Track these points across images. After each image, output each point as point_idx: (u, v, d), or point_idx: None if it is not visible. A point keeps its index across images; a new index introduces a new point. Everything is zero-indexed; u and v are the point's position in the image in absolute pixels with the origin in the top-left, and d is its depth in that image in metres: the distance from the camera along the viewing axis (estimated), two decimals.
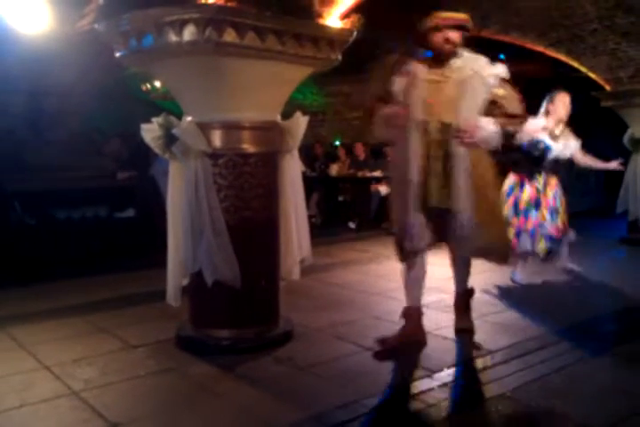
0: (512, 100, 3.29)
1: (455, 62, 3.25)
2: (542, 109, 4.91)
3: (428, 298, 4.51)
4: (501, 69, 3.26)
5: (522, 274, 5.04)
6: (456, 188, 3.17)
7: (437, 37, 3.20)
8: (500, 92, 3.24)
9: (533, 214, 4.85)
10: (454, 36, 3.20)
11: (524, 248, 4.86)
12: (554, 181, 4.96)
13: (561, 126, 4.88)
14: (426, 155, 3.20)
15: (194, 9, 3.02)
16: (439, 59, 3.27)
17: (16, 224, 5.68)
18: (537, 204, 4.87)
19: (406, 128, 3.19)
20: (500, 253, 3.49)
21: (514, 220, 4.85)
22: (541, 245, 4.87)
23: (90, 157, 6.61)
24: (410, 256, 3.41)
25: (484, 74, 3.20)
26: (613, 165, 5.28)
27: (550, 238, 4.85)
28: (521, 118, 3.39)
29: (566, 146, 4.88)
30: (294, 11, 3.25)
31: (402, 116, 3.18)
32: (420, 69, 3.27)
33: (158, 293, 3.59)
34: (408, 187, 3.20)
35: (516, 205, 4.89)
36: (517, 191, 4.91)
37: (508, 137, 3.28)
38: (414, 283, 3.50)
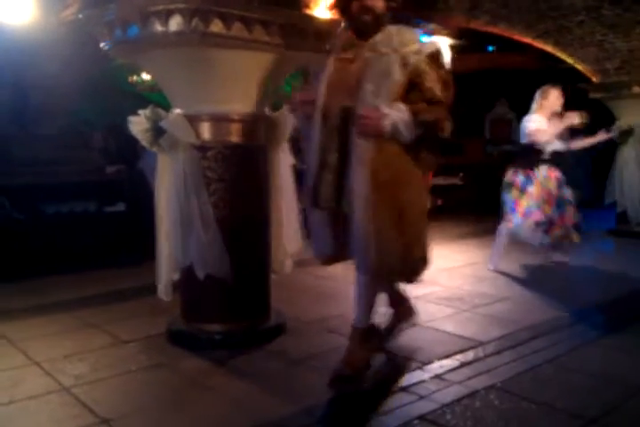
0: (435, 84, 2.64)
1: (376, 37, 2.71)
2: (535, 105, 5.01)
3: (419, 290, 4.54)
4: (431, 46, 2.71)
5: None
6: (348, 187, 2.66)
7: (354, 6, 2.71)
8: (424, 73, 2.62)
9: (543, 207, 4.93)
10: (373, 4, 2.69)
11: (533, 239, 5.02)
12: (554, 174, 5.02)
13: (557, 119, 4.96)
14: (324, 146, 2.73)
15: None
16: (358, 32, 2.77)
17: (4, 219, 5.62)
18: (546, 197, 4.96)
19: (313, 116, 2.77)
20: (407, 272, 2.83)
21: (534, 211, 4.93)
22: (555, 234, 5.01)
23: (78, 151, 6.54)
24: (325, 262, 3.00)
25: (404, 51, 2.63)
26: (601, 136, 5.48)
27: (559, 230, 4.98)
28: (441, 106, 2.66)
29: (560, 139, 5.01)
30: (281, 1, 3.22)
31: (304, 101, 2.81)
32: (337, 46, 2.86)
33: (149, 287, 3.57)
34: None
35: (532, 196, 4.96)
36: (530, 184, 4.98)
37: (430, 128, 2.63)
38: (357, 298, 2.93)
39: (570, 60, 7.52)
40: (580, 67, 7.51)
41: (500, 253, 5.18)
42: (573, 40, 7.20)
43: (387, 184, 2.60)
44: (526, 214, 4.93)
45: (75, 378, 2.92)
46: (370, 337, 2.92)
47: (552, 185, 4.98)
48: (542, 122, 4.92)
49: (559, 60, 7.76)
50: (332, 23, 3.47)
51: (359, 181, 2.60)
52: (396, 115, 2.55)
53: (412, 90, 2.62)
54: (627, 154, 7.24)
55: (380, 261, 2.64)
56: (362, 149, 2.60)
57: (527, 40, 7.54)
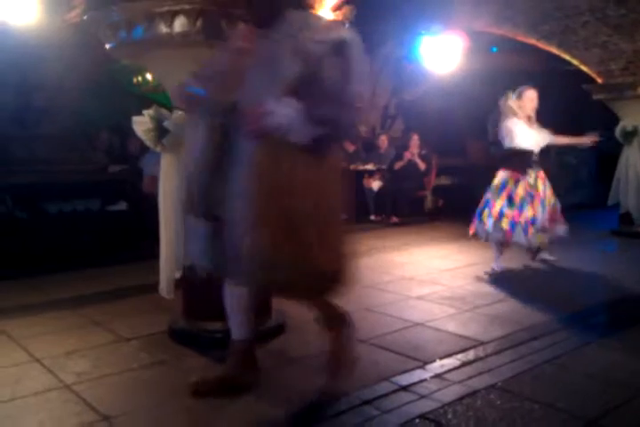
0: (340, 78, 2.26)
1: (274, 24, 2.38)
2: (509, 106, 4.97)
3: (421, 290, 4.56)
4: (338, 35, 2.31)
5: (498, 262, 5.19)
6: (231, 193, 2.34)
7: None
8: (325, 64, 2.24)
9: (527, 209, 4.90)
10: None
11: (517, 240, 4.94)
12: (542, 174, 5.06)
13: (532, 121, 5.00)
14: (208, 146, 2.41)
15: (185, 0, 2.99)
16: (257, 20, 2.45)
17: (7, 218, 5.65)
18: (531, 198, 4.93)
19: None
20: (312, 287, 2.47)
21: (507, 211, 4.91)
22: (539, 240, 4.98)
23: (81, 151, 6.57)
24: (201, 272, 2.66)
25: (301, 38, 2.28)
26: (586, 139, 5.30)
27: (544, 230, 4.92)
28: (348, 103, 2.30)
29: (543, 137, 5.01)
30: (286, 2, 3.22)
31: (188, 96, 2.51)
32: (236, 36, 2.56)
33: (151, 286, 3.58)
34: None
35: (510, 198, 4.95)
36: (511, 186, 4.97)
37: (333, 127, 2.28)
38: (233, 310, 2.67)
39: (574, 61, 7.52)
40: (584, 68, 7.50)
41: (499, 255, 5.17)
42: (578, 41, 7.20)
43: (276, 191, 2.27)
44: (499, 216, 4.93)
45: (76, 375, 2.93)
46: (246, 349, 2.70)
47: (541, 186, 5.00)
48: (524, 127, 4.92)
49: (564, 62, 7.75)
50: (336, 24, 3.48)
51: (242, 186, 2.29)
52: (284, 111, 2.21)
53: (313, 83, 2.25)
54: (631, 155, 7.22)
55: (265, 273, 2.30)
56: (246, 151, 2.28)
57: (531, 41, 7.54)
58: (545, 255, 5.47)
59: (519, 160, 4.99)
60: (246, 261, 2.28)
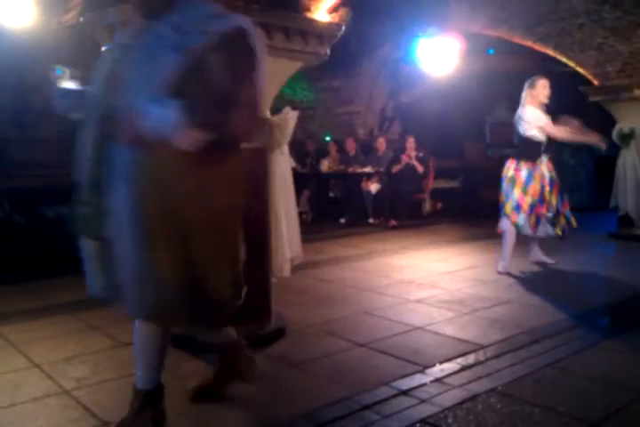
0: (226, 75, 1.98)
1: (161, 16, 2.09)
2: (525, 96, 5.14)
3: (420, 293, 4.55)
4: (230, 25, 2.02)
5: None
6: (112, 209, 2.09)
7: None
8: (211, 59, 1.96)
9: (545, 201, 5.03)
10: None
11: (543, 233, 5.15)
12: (550, 164, 5.17)
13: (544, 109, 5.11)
14: (91, 157, 2.13)
15: None
16: (144, 11, 2.15)
17: (4, 222, 5.63)
18: (550, 187, 5.06)
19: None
20: (199, 315, 2.19)
21: (538, 206, 5.01)
22: (560, 225, 5.13)
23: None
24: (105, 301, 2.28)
25: (186, 30, 1.99)
26: (595, 139, 5.21)
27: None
28: (238, 104, 2.02)
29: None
30: (282, 4, 3.23)
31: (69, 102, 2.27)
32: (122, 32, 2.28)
33: None
34: None
35: (539, 192, 5.03)
36: (535, 178, 5.04)
37: (221, 132, 1.99)
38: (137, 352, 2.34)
39: (571, 64, 7.53)
40: (580, 70, 7.51)
41: (511, 255, 5.18)
42: (574, 43, 7.21)
43: (160, 205, 2.03)
44: (530, 210, 4.99)
45: (76, 381, 2.92)
46: (152, 402, 2.32)
47: (554, 174, 5.12)
48: (541, 114, 5.03)
49: (561, 64, 7.76)
50: (333, 27, 3.48)
51: (123, 201, 2.05)
52: (160, 115, 1.90)
53: (198, 82, 1.97)
54: (628, 157, 7.23)
55: (154, 301, 2.06)
56: (126, 163, 2.04)
57: (527, 43, 7.55)
58: (543, 258, 5.47)
59: (530, 148, 5.08)
60: (132, 287, 2.05)
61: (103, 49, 3.38)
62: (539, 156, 5.07)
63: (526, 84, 5.15)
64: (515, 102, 5.27)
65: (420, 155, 8.78)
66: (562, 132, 5.05)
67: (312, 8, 3.48)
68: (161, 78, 1.95)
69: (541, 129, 5.01)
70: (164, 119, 1.88)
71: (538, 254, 5.51)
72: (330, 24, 3.48)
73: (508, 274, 5.10)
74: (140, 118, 1.93)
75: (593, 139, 5.17)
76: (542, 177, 5.02)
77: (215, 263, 2.15)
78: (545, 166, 5.08)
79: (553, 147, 5.33)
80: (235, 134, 2.10)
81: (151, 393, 2.31)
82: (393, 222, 8.39)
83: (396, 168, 8.72)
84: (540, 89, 5.08)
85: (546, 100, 5.09)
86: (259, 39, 2.12)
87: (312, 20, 3.42)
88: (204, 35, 1.96)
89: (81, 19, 3.39)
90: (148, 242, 2.03)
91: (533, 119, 5.00)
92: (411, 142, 8.79)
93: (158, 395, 2.34)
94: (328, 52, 3.55)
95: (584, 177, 10.27)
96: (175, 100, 1.89)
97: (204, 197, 2.08)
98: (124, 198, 2.04)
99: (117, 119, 2.01)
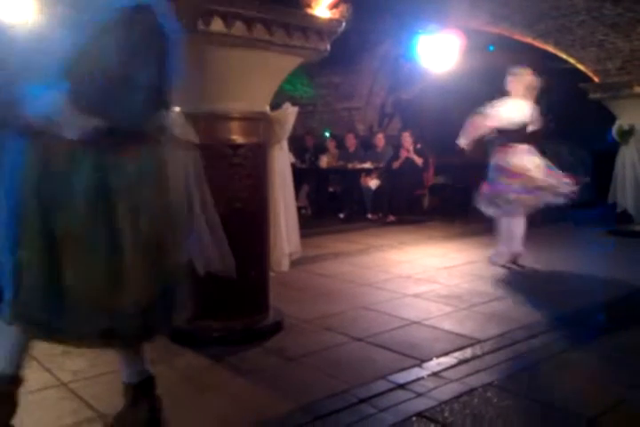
0: (115, 56, 1.77)
1: None
2: (509, 87, 5.20)
3: (418, 288, 4.56)
4: (120, 1, 1.81)
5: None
6: None
7: None
8: (104, 40, 1.77)
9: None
10: None
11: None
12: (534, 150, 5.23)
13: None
14: None
15: None
16: None
17: None
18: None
19: None
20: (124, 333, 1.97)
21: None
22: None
23: None
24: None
25: (85, 7, 1.81)
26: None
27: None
28: (122, 85, 1.80)
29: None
30: (283, 0, 3.23)
31: None
32: None
33: None
34: None
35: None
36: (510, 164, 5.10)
37: (117, 116, 1.81)
38: None
39: (571, 60, 7.53)
40: (581, 67, 7.51)
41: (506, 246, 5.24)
42: (574, 40, 7.22)
43: (43, 201, 1.82)
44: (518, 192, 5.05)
45: (73, 373, 2.93)
46: (145, 393, 2.26)
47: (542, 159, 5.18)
48: (525, 106, 5.12)
49: (561, 60, 7.76)
50: (333, 23, 3.48)
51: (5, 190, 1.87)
52: (45, 99, 1.76)
53: (90, 64, 1.77)
54: (628, 154, 7.24)
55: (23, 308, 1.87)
56: (11, 152, 1.86)
57: (528, 40, 7.55)
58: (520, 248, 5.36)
59: (513, 135, 5.15)
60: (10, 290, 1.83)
61: None
62: (518, 141, 5.14)
63: (510, 76, 5.21)
64: None
65: (418, 146, 8.78)
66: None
67: (312, 4, 3.48)
68: (49, 59, 1.77)
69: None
70: (49, 104, 1.73)
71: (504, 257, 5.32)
72: (330, 20, 3.48)
73: (499, 269, 5.12)
74: (25, 103, 1.76)
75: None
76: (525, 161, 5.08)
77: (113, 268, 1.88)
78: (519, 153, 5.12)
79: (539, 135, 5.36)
80: (130, 120, 1.86)
81: (142, 385, 2.26)
82: (391, 218, 8.41)
83: (395, 164, 8.73)
84: (525, 80, 5.15)
85: (527, 92, 5.15)
86: (171, 19, 1.90)
87: (312, 16, 3.41)
88: (101, 11, 1.77)
89: None
90: (21, 238, 1.81)
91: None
92: (406, 137, 8.80)
93: (150, 385, 2.29)
94: (328, 48, 3.55)
95: (583, 173, 10.26)
96: (63, 84, 1.73)
97: (104, 190, 1.83)
98: (6, 188, 1.84)
99: (6, 104, 1.81)
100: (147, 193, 1.90)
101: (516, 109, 5.12)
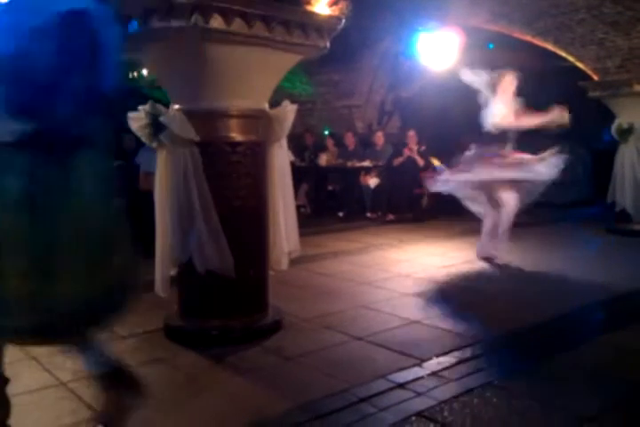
0: (49, 59, 1.78)
1: None
2: (493, 89, 5.15)
3: (417, 287, 4.55)
4: (57, 5, 1.79)
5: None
6: None
7: None
8: (41, 45, 1.76)
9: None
10: None
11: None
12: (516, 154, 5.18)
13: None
14: None
15: None
16: None
17: None
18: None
19: None
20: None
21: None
22: None
23: None
24: None
25: (23, 10, 1.83)
26: (556, 113, 5.16)
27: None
28: (52, 86, 1.79)
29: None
30: None
31: None
32: None
33: (146, 283, 3.55)
34: None
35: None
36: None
37: (46, 119, 1.78)
38: None
39: (570, 59, 7.51)
40: (580, 65, 7.50)
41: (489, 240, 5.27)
42: (574, 38, 7.20)
43: None
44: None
45: (72, 373, 2.91)
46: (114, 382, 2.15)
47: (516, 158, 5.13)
48: (502, 108, 5.08)
49: (561, 58, 7.74)
50: (332, 20, 3.46)
51: None
52: None
53: (23, 67, 1.78)
54: (627, 153, 7.23)
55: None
56: None
57: (527, 38, 7.53)
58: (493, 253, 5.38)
59: (493, 139, 5.16)
60: None
61: None
62: (503, 145, 5.12)
63: (493, 78, 5.18)
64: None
65: (422, 148, 8.76)
66: (522, 122, 5.10)
67: (312, 1, 3.46)
68: None
69: (499, 123, 5.08)
70: None
71: (488, 248, 5.40)
72: (330, 17, 3.46)
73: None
74: None
75: (554, 115, 5.15)
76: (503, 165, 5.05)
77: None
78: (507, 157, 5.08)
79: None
80: (61, 124, 1.82)
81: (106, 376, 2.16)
82: (390, 217, 8.39)
83: (397, 161, 8.71)
84: (507, 83, 5.13)
85: (514, 94, 5.13)
86: (111, 24, 1.90)
87: (312, 13, 3.39)
88: (36, 16, 1.76)
89: None
90: None
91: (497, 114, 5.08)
92: (412, 136, 8.77)
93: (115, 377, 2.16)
94: (328, 45, 3.53)
95: (582, 172, 10.25)
96: None
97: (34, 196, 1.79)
98: None
99: None
100: (75, 196, 1.87)
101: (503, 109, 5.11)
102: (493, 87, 5.14)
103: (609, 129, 7.47)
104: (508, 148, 5.14)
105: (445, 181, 5.27)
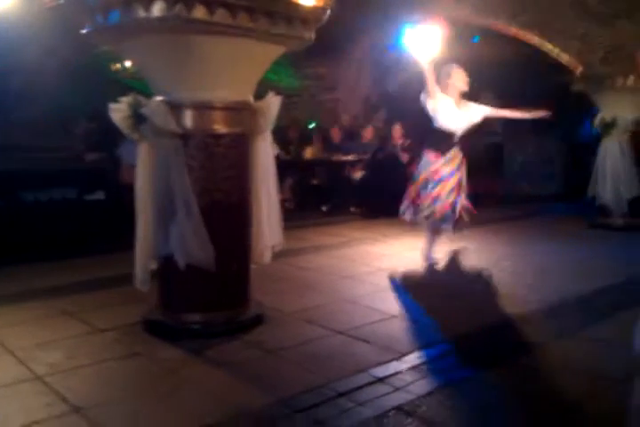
0: None
1: None
2: (440, 84, 4.91)
3: (400, 281, 4.55)
4: None
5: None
6: None
7: None
8: None
9: (430, 189, 4.77)
10: None
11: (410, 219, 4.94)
12: (459, 158, 4.91)
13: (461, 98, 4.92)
14: None
15: None
16: None
17: None
18: (440, 179, 4.78)
19: None
20: None
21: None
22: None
23: (58, 138, 6.44)
24: None
25: None
26: (538, 114, 5.09)
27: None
28: None
29: (473, 114, 4.93)
30: None
31: None
32: None
33: (127, 276, 3.53)
34: None
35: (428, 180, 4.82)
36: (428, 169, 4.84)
37: None
38: None
39: (554, 52, 7.52)
40: (564, 58, 7.51)
41: (433, 246, 5.07)
42: (557, 32, 7.20)
43: None
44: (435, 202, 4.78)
45: (49, 366, 2.88)
46: None
47: (449, 169, 4.84)
48: (450, 106, 4.87)
49: (544, 52, 7.75)
50: (317, 11, 3.43)
51: None
52: None
53: None
54: (610, 146, 7.24)
55: None
56: None
57: (511, 32, 7.53)
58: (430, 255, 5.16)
59: (439, 139, 4.92)
60: None
61: (83, 31, 3.32)
62: (445, 147, 4.87)
63: (442, 73, 4.98)
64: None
65: (407, 143, 8.73)
66: (501, 113, 5.00)
67: None
68: None
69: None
70: None
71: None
72: (315, 8, 3.42)
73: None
74: None
75: (533, 115, 5.08)
76: (445, 166, 4.80)
77: None
78: (448, 159, 4.84)
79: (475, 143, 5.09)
80: None
81: None
82: (374, 211, 8.37)
83: (380, 155, 8.68)
84: (457, 78, 4.91)
85: (465, 89, 4.93)
86: None
87: (297, 4, 3.35)
88: None
89: (61, 0, 3.29)
90: None
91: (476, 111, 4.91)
92: (397, 130, 8.74)
93: None
94: (313, 36, 3.50)
95: (562, 165, 10.28)
96: None
97: None
98: None
99: None
100: None
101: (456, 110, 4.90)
102: (442, 82, 4.92)
103: (590, 123, 7.49)
104: (455, 148, 4.90)
105: (408, 207, 4.95)
